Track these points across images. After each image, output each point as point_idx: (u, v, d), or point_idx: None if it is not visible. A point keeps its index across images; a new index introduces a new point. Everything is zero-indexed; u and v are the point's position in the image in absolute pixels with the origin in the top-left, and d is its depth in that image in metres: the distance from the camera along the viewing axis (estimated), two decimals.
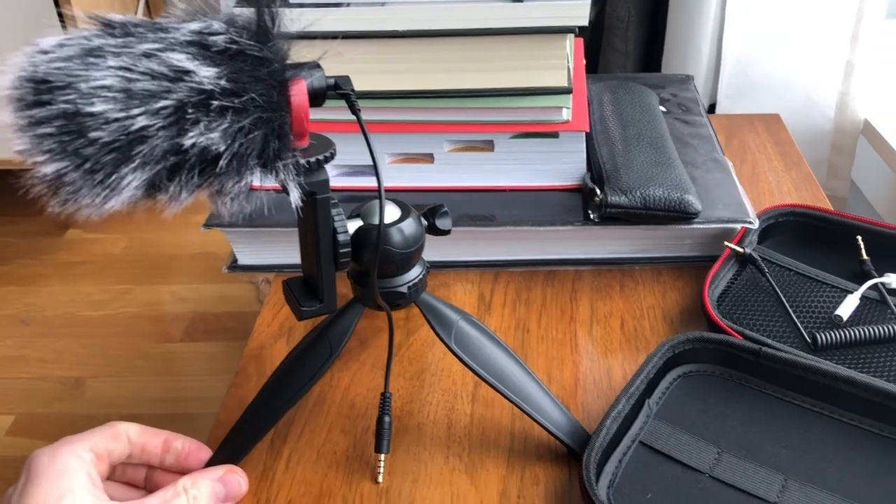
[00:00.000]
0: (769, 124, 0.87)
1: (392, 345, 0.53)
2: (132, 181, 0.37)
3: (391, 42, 0.65)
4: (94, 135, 0.36)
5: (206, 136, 0.37)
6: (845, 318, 0.58)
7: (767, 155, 0.82)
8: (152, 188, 0.38)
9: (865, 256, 0.63)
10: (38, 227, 1.91)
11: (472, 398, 0.57)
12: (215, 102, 0.37)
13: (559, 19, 0.64)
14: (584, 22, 0.64)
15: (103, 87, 0.36)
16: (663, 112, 0.79)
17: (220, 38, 0.38)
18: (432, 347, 0.62)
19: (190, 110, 0.37)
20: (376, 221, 0.47)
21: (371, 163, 0.44)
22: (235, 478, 0.49)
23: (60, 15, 1.55)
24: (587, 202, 0.67)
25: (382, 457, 0.52)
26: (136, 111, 0.36)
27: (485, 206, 0.69)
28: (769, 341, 0.56)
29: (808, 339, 0.57)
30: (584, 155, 0.69)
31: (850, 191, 0.98)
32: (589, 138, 0.72)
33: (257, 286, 1.67)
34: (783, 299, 0.59)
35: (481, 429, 0.55)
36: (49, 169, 0.37)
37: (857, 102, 0.90)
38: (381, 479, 0.52)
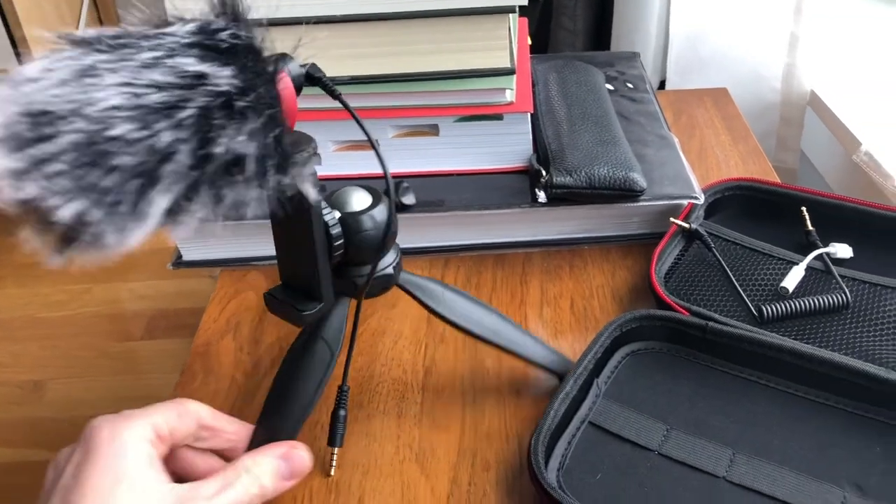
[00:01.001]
0: (717, 99, 0.87)
1: (354, 336, 0.51)
2: (161, 204, 0.34)
3: (330, 28, 0.64)
4: (116, 161, 0.33)
5: (235, 140, 0.35)
6: (791, 289, 0.58)
7: (715, 129, 0.83)
8: (173, 211, 0.35)
9: (811, 227, 0.63)
10: None
11: (423, 387, 0.57)
12: (238, 103, 0.35)
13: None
14: (524, 1, 0.63)
15: (112, 107, 0.33)
16: (610, 90, 0.79)
17: (225, 35, 0.36)
18: (382, 337, 0.62)
19: (216, 115, 0.35)
20: (350, 210, 0.47)
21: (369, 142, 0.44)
22: (299, 453, 0.46)
23: (12, 39, 1.50)
24: (534, 183, 0.67)
25: (335, 450, 0.52)
26: (158, 126, 0.33)
27: (432, 192, 0.68)
28: (716, 316, 0.56)
29: (754, 312, 0.57)
30: (529, 136, 0.68)
31: (800, 162, 0.98)
32: (535, 119, 0.72)
33: (216, 281, 1.65)
34: (729, 273, 0.60)
35: (432, 417, 0.55)
36: (67, 212, 0.33)
37: (803, 74, 0.90)
38: (332, 472, 0.52)
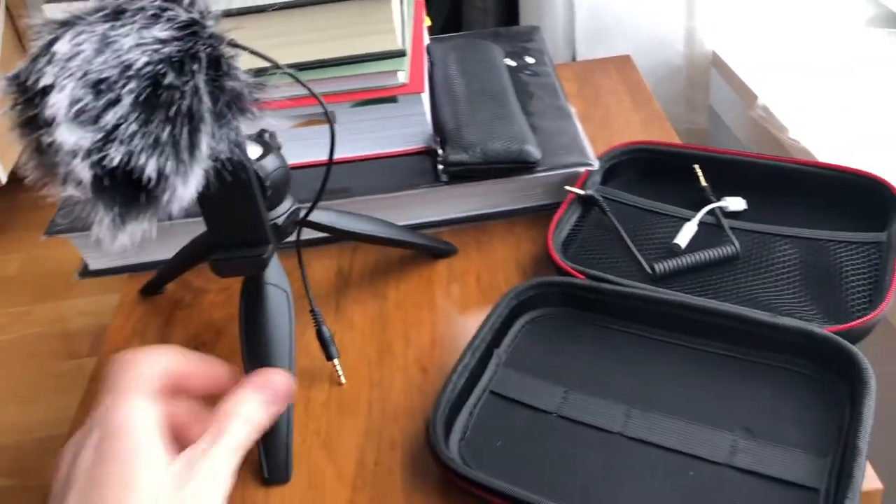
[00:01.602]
0: (620, 66, 0.88)
1: (304, 268, 0.56)
2: (205, 144, 0.39)
3: (220, 22, 0.63)
4: (172, 110, 0.37)
5: (238, 75, 0.40)
6: (683, 245, 0.59)
7: (618, 97, 0.84)
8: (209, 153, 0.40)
9: (704, 184, 0.65)
10: None
11: (331, 374, 0.57)
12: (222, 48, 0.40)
13: None
14: None
15: (147, 63, 0.36)
16: (512, 66, 0.80)
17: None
18: None
19: (223, 55, 0.40)
20: (253, 159, 0.51)
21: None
22: (275, 377, 0.43)
23: None
24: (435, 164, 0.67)
25: (335, 361, 0.56)
26: (191, 69, 0.38)
27: (337, 179, 0.68)
28: (610, 277, 0.57)
29: (647, 270, 0.58)
30: (425, 117, 0.68)
31: (712, 121, 1.00)
32: (434, 99, 0.72)
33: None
34: (623, 234, 0.61)
35: (339, 402, 0.55)
36: (151, 169, 0.37)
37: (704, 35, 0.92)
38: (343, 379, 0.56)
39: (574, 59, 1.01)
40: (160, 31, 0.38)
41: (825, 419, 0.47)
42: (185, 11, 0.40)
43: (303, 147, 0.69)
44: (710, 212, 0.62)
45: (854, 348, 0.48)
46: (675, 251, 0.59)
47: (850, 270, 0.55)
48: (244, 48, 0.43)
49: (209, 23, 0.40)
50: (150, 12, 0.38)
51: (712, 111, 1.01)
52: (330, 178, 0.68)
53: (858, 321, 0.51)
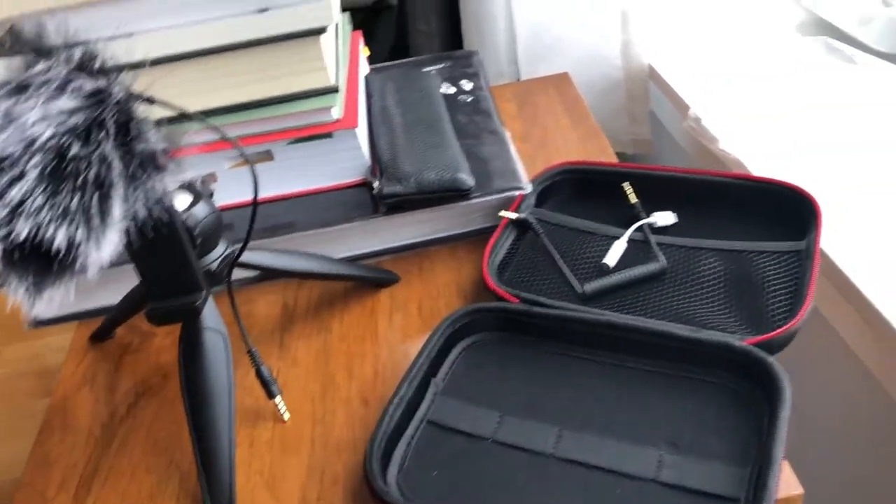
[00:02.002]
0: (558, 84, 0.90)
1: (237, 309, 0.56)
2: (118, 209, 0.40)
3: (148, 71, 0.64)
4: (80, 180, 0.38)
5: (150, 137, 0.42)
6: (612, 264, 0.61)
7: (556, 115, 0.85)
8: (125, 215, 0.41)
9: (634, 201, 0.66)
10: None
11: (273, 414, 0.58)
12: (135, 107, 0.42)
13: (303, 23, 0.64)
14: (330, 22, 0.65)
15: (51, 136, 0.38)
16: (450, 92, 0.81)
17: (96, 62, 0.42)
18: (235, 369, 0.62)
19: (132, 118, 0.41)
20: (182, 208, 0.52)
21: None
22: None
23: None
24: (373, 195, 0.68)
25: (277, 399, 0.57)
26: (97, 138, 0.39)
27: (279, 216, 0.69)
28: (542, 299, 0.58)
29: (578, 290, 0.59)
30: (361, 150, 0.70)
31: (656, 130, 1.02)
32: (372, 131, 0.74)
33: None
34: (555, 256, 0.62)
35: (283, 440, 0.56)
36: (60, 239, 0.38)
37: (640, 49, 0.94)
38: (286, 416, 0.57)
39: (519, 79, 1.03)
40: (66, 103, 0.39)
41: (746, 429, 0.49)
42: (92, 80, 0.41)
43: (244, 185, 0.70)
44: (640, 228, 0.64)
45: (771, 360, 0.49)
46: (605, 270, 0.61)
47: (772, 280, 0.57)
48: (155, 101, 0.45)
49: (116, 89, 0.41)
50: (55, 84, 0.40)
51: (656, 120, 1.03)
52: (274, 214, 0.70)
53: (779, 331, 0.52)
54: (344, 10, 1.23)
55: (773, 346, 0.52)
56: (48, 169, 0.38)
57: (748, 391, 0.50)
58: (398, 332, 0.63)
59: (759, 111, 0.81)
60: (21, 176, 0.37)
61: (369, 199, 0.69)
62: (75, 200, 0.38)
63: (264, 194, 0.71)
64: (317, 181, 0.71)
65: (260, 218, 0.69)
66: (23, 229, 0.37)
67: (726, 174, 0.65)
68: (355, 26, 0.88)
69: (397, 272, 0.69)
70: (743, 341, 0.52)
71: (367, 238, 0.70)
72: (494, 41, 1.02)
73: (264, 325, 0.66)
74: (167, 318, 0.53)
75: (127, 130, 0.41)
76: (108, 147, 0.40)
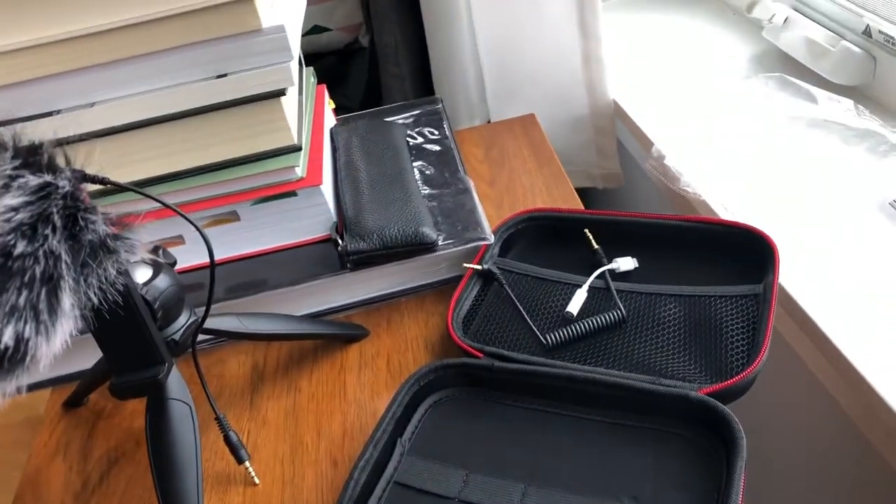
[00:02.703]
0: (525, 125, 0.91)
1: (202, 376, 0.57)
2: (67, 301, 0.41)
3: (111, 139, 0.65)
4: (27, 276, 0.39)
5: (98, 226, 0.43)
6: (575, 312, 0.62)
7: (522, 157, 0.86)
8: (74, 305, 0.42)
9: (596, 247, 0.67)
10: None
11: (243, 478, 0.59)
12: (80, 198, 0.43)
13: (264, 86, 0.65)
14: (290, 84, 0.66)
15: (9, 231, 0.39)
16: (416, 141, 0.82)
17: (41, 153, 0.43)
18: (206, 430, 0.63)
19: (80, 210, 0.42)
20: (142, 282, 0.53)
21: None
22: None
23: None
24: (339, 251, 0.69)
25: (247, 463, 0.58)
26: (43, 233, 0.40)
27: (246, 274, 0.70)
28: (505, 353, 0.59)
29: (542, 341, 0.60)
30: (326, 206, 0.71)
31: (626, 163, 1.03)
32: (337, 186, 0.75)
33: None
34: (518, 307, 0.63)
35: None
36: (7, 337, 0.38)
37: (604, 86, 0.95)
38: (257, 480, 0.58)
39: (489, 119, 1.04)
40: (11, 200, 0.40)
41: (706, 480, 0.49)
42: (37, 175, 0.42)
43: (215, 244, 0.71)
44: (601, 275, 0.65)
45: (726, 410, 0.50)
46: (568, 318, 0.62)
47: (730, 325, 0.58)
48: (107, 183, 0.45)
49: (62, 182, 0.42)
50: (0, 182, 0.40)
51: (626, 153, 1.04)
52: (243, 273, 0.71)
53: (735, 378, 0.53)
54: (316, 54, 1.25)
55: (733, 393, 0.53)
56: None
57: (707, 441, 0.51)
58: (367, 389, 0.64)
59: (719, 147, 0.82)
60: None
61: (335, 254, 0.70)
62: (23, 297, 0.39)
63: (231, 254, 0.72)
64: (283, 238, 0.72)
65: (228, 277, 0.70)
66: None
67: (685, 218, 0.66)
68: (328, 69, 0.89)
69: (367, 325, 0.70)
70: (700, 391, 0.52)
71: (336, 293, 0.71)
72: (465, 83, 1.03)
73: (234, 386, 0.67)
74: (131, 393, 0.54)
75: (74, 221, 0.42)
76: (55, 241, 0.40)
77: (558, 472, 0.52)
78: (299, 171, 0.69)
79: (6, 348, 0.38)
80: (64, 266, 0.41)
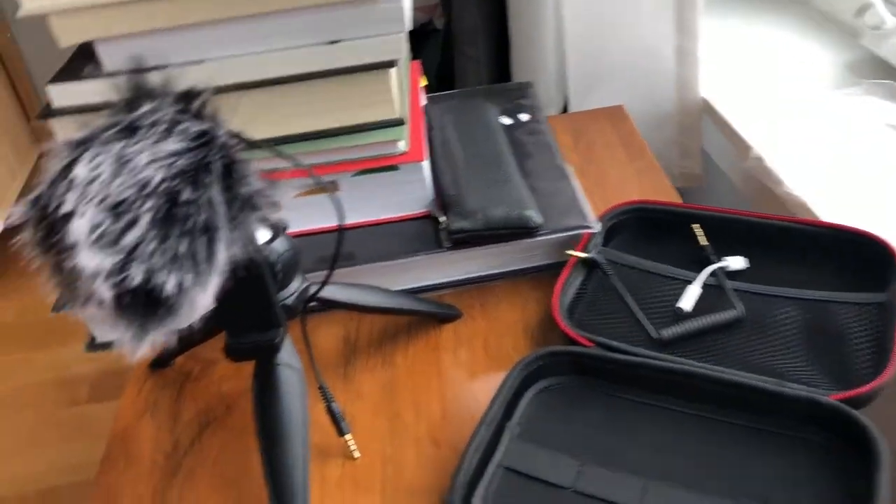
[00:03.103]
0: (613, 117, 0.90)
1: (309, 343, 0.56)
2: (223, 252, 0.39)
3: (223, 97, 0.64)
4: (189, 225, 0.38)
5: (252, 178, 0.42)
6: (687, 309, 0.60)
7: (612, 149, 0.85)
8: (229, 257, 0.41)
9: (704, 243, 0.66)
10: None
11: (342, 451, 0.57)
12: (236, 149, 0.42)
13: (375, 56, 0.64)
14: (401, 55, 0.64)
15: (162, 180, 0.37)
16: (508, 124, 0.81)
17: (195, 102, 0.42)
18: None
19: (235, 161, 0.41)
20: (262, 243, 0.52)
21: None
22: None
23: None
24: (437, 229, 0.68)
25: (347, 437, 0.57)
26: (206, 181, 0.39)
27: (346, 244, 0.69)
28: (616, 344, 0.58)
29: (653, 336, 0.59)
30: (426, 183, 0.69)
31: (707, 165, 1.01)
32: (434, 164, 0.73)
33: None
34: (627, 300, 0.61)
35: (353, 479, 0.56)
36: (171, 285, 0.37)
37: (695, 82, 0.93)
38: (356, 454, 0.57)
39: (566, 108, 1.03)
40: (173, 145, 0.39)
41: (841, 489, 0.48)
42: (197, 122, 0.40)
43: (305, 215, 0.70)
44: (712, 272, 0.63)
45: (864, 420, 0.48)
46: (680, 315, 0.60)
47: (853, 333, 0.56)
48: (258, 144, 0.44)
49: (219, 131, 0.41)
50: (163, 126, 0.39)
51: (707, 155, 1.02)
52: (330, 245, 0.70)
53: (866, 387, 0.51)
54: None
55: (859, 402, 0.51)
56: (160, 213, 0.37)
57: (839, 449, 0.50)
58: (464, 370, 0.63)
59: (817, 151, 0.80)
60: (135, 221, 0.36)
61: (431, 231, 0.69)
62: (184, 245, 0.38)
63: (326, 224, 0.70)
64: (380, 212, 0.70)
65: (321, 247, 0.69)
66: (137, 275, 0.36)
67: (798, 220, 0.65)
68: None
69: (459, 306, 0.68)
70: (828, 397, 0.51)
71: (428, 271, 0.70)
72: (544, 70, 1.01)
73: (326, 357, 0.66)
74: (246, 355, 0.53)
75: (230, 173, 0.41)
76: (215, 191, 0.39)
77: (678, 470, 0.51)
78: (402, 146, 0.68)
79: (168, 297, 0.37)
80: (221, 218, 0.40)
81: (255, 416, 0.53)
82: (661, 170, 0.80)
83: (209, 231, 0.39)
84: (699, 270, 0.64)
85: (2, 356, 1.68)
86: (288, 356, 0.54)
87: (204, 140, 0.40)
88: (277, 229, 0.54)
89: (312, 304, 0.64)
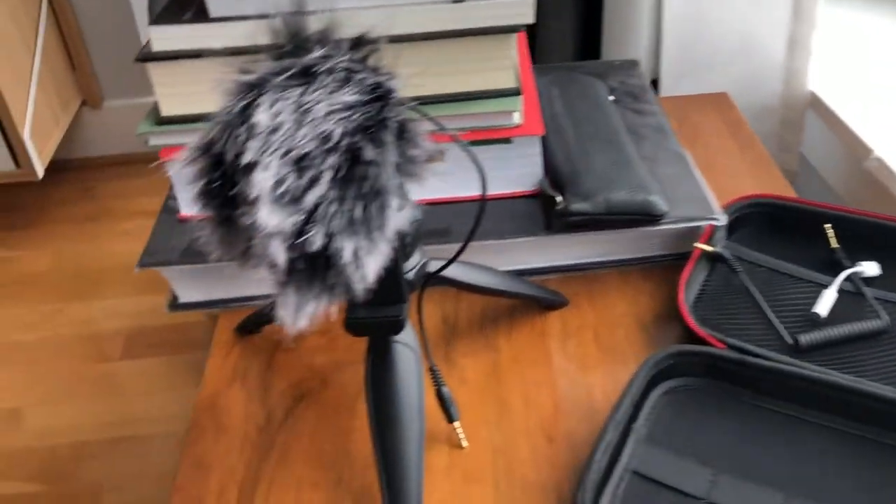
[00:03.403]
0: (718, 104, 0.85)
1: (422, 320, 0.53)
2: (394, 219, 0.37)
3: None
4: (366, 187, 0.34)
5: (418, 147, 0.39)
6: (823, 314, 0.56)
7: (720, 137, 0.80)
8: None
9: (836, 245, 0.61)
10: None
11: (448, 438, 0.54)
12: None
13: (502, 18, 0.60)
14: (530, 20, 0.60)
15: (343, 134, 0.34)
16: (613, 102, 0.76)
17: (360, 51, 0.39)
18: None
19: (404, 123, 0.38)
20: None
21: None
22: None
23: None
24: (547, 209, 0.64)
25: (455, 424, 0.53)
26: (385, 140, 0.35)
27: (440, 219, 0.65)
28: (752, 348, 0.54)
29: (789, 341, 0.55)
30: (539, 159, 0.65)
31: (799, 163, 0.97)
32: (543, 139, 0.69)
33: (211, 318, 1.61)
34: (760, 301, 0.57)
35: (462, 469, 0.52)
36: (348, 251, 0.34)
37: (804, 75, 0.88)
38: (465, 442, 0.53)
39: (657, 93, 0.98)
40: (350, 96, 0.35)
41: None
42: (372, 73, 0.36)
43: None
44: (847, 277, 0.59)
45: None
46: (816, 321, 0.56)
47: None
48: (422, 113, 0.40)
49: (394, 85, 0.37)
50: (340, 75, 0.35)
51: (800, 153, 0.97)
52: (435, 217, 0.66)
53: None
54: None
55: None
56: (341, 172, 0.33)
57: None
58: (575, 362, 0.59)
59: None
60: (318, 178, 0.33)
61: (538, 211, 0.65)
62: (359, 209, 0.34)
63: (432, 196, 0.66)
64: (491, 186, 0.66)
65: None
66: (318, 238, 0.33)
67: None
68: None
69: (564, 293, 0.64)
70: None
71: (532, 253, 0.66)
72: (636, 48, 0.96)
73: (427, 338, 0.62)
74: (367, 330, 0.49)
75: (402, 133, 0.37)
76: (392, 152, 0.35)
77: (822, 488, 0.47)
78: (516, 118, 0.64)
79: (345, 265, 0.34)
80: (393, 182, 0.36)
81: (368, 397, 0.50)
82: (773, 163, 0.76)
83: (380, 195, 0.35)
84: (829, 274, 0.60)
85: (34, 306, 1.65)
86: (406, 334, 0.51)
87: (379, 94, 0.36)
88: (406, 199, 0.50)
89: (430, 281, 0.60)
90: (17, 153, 1.58)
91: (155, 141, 0.63)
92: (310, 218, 0.33)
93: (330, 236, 0.33)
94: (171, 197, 0.68)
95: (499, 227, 0.63)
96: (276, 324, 0.37)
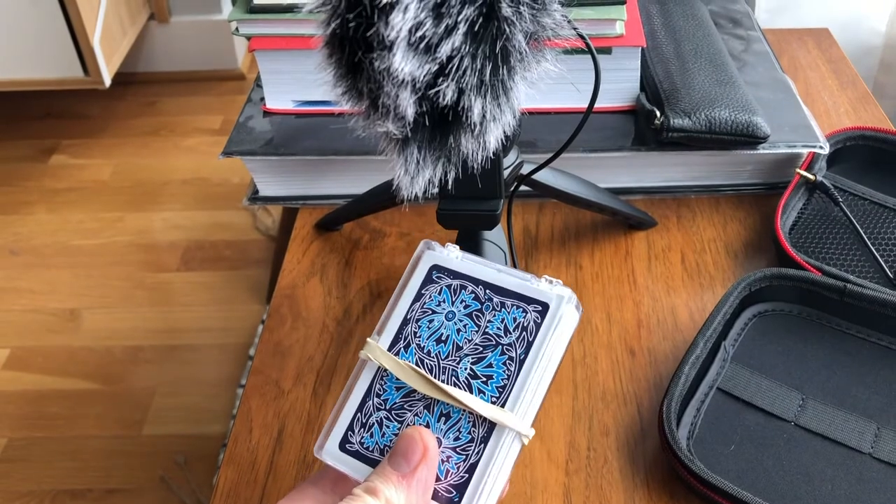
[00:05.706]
0: (819, 40, 0.81)
1: (511, 223, 0.52)
2: (519, 87, 0.35)
3: None
4: (498, 46, 0.32)
5: (550, 15, 0.36)
6: None
7: (820, 73, 0.77)
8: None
9: None
10: (19, 153, 1.82)
11: None
12: None
13: None
14: None
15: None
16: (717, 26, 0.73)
17: None
18: None
19: None
20: None
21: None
22: (403, 446, 0.35)
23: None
24: (641, 125, 0.62)
25: None
26: (515, 4, 0.33)
27: (527, 130, 0.63)
28: (852, 278, 0.52)
29: (890, 274, 0.53)
30: (638, 73, 0.63)
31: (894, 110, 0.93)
32: (642, 53, 0.66)
33: (254, 213, 1.62)
34: (861, 232, 0.55)
35: None
36: (477, 111, 0.33)
37: None
38: None
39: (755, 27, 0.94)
40: None
41: None
42: None
43: None
44: None
45: None
46: None
47: None
48: None
49: None
50: None
51: None
52: (526, 128, 0.64)
53: None
54: None
55: None
56: (475, 26, 0.32)
57: None
58: (660, 282, 0.57)
59: None
60: (454, 28, 0.31)
61: (632, 128, 0.63)
62: (488, 70, 0.33)
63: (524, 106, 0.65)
64: (576, 100, 0.64)
65: None
66: (449, 92, 0.31)
67: None
68: None
69: (652, 215, 0.63)
70: None
71: (620, 171, 0.64)
72: None
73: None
74: (461, 223, 0.48)
75: (535, 2, 0.35)
76: (526, 13, 0.34)
77: None
78: (619, 28, 0.61)
79: (473, 124, 0.32)
80: (523, 48, 0.34)
81: None
82: (877, 103, 0.72)
83: (510, 59, 0.33)
84: None
85: (95, 212, 1.67)
86: (496, 234, 0.50)
87: None
88: None
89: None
90: (86, 61, 1.59)
91: (245, 30, 0.62)
92: (443, 70, 0.31)
93: (461, 92, 0.32)
94: (257, 85, 0.67)
95: (591, 141, 0.61)
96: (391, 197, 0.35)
